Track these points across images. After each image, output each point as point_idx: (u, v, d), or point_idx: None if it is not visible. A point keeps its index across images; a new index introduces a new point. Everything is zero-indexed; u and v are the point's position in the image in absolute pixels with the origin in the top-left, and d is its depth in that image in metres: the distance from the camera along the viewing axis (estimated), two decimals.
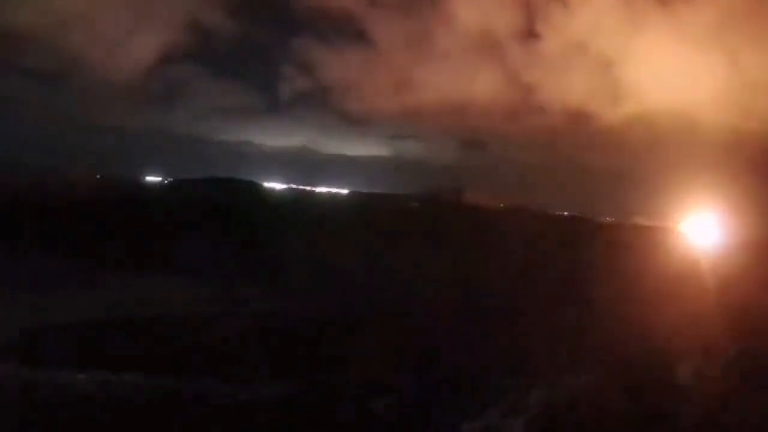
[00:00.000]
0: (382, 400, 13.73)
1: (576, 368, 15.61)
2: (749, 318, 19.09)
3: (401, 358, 16.57)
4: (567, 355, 16.75)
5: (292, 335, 19.55)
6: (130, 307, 21.12)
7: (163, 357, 15.96)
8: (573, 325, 19.45)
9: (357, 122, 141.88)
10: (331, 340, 18.71)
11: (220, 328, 19.59)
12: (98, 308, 20.39)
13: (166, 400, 13.29)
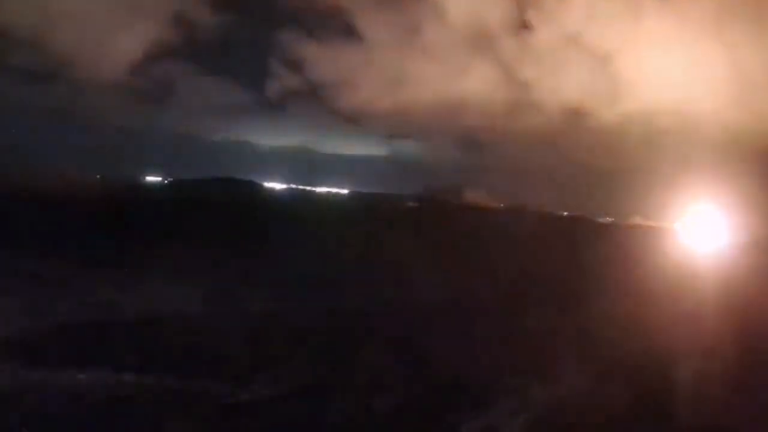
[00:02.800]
0: (382, 399, 13.72)
1: (576, 368, 15.62)
2: (750, 318, 19.11)
3: (401, 357, 16.58)
4: (567, 355, 16.76)
5: (292, 335, 19.54)
6: (129, 307, 21.11)
7: (163, 357, 15.95)
8: (573, 324, 19.46)
9: (352, 121, 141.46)
10: (331, 340, 18.71)
11: (219, 328, 19.58)
12: (98, 308, 20.38)
13: (166, 400, 13.28)
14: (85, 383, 13.81)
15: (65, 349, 16.24)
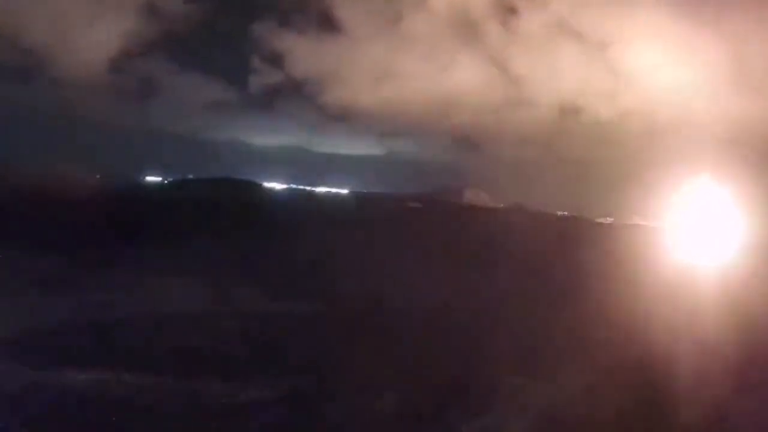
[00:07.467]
0: (383, 399, 13.73)
1: (576, 368, 15.62)
2: (750, 318, 19.12)
3: (401, 358, 16.58)
4: (567, 355, 16.76)
5: (292, 335, 19.55)
6: (129, 307, 21.10)
7: (163, 357, 15.96)
8: (573, 324, 19.46)
9: (340, 119, 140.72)
10: (331, 340, 18.70)
11: (219, 328, 19.59)
12: (98, 308, 20.37)
13: (166, 400, 13.29)
14: (85, 383, 13.82)
15: (65, 349, 16.25)
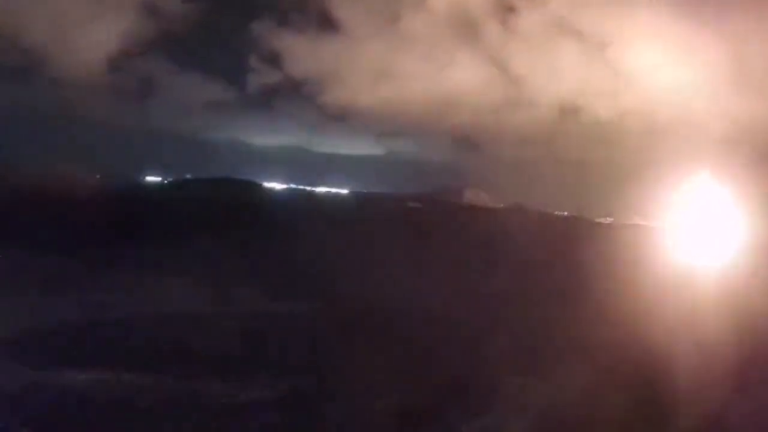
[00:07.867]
0: (383, 399, 13.73)
1: (576, 368, 15.62)
2: (749, 319, 19.10)
3: (401, 358, 16.58)
4: (567, 355, 16.75)
5: (291, 335, 19.55)
6: (129, 307, 21.11)
7: (163, 357, 15.96)
8: (573, 324, 19.45)
9: (340, 119, 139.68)
10: (331, 340, 18.70)
11: (219, 328, 19.60)
12: (98, 308, 20.38)
13: (166, 400, 13.29)
14: (85, 383, 13.83)
15: (65, 349, 16.26)
